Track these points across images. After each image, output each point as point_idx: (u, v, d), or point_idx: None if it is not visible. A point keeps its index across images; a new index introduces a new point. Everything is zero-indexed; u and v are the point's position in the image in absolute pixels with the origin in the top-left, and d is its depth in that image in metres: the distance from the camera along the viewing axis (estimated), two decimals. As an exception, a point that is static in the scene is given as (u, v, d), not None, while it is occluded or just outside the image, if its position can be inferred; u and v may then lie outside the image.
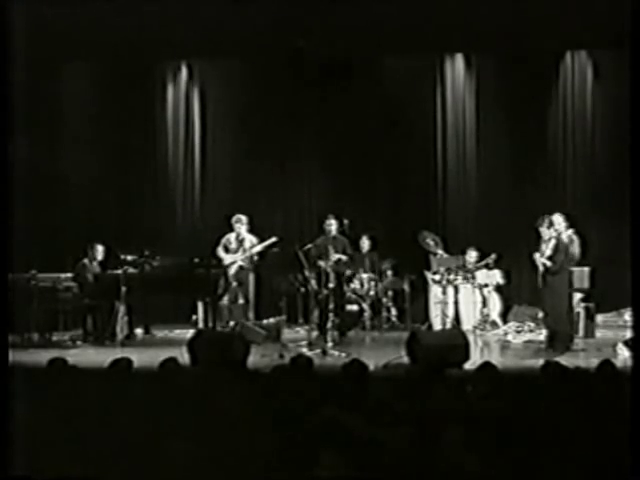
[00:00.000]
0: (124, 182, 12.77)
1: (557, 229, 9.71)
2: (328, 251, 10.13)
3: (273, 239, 11.05)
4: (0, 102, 6.23)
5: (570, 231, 10.38)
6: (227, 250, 11.27)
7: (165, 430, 4.39)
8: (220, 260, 11.11)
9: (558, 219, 10.13)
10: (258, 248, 11.15)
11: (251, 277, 11.29)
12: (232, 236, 11.29)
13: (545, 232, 9.43)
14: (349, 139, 12.81)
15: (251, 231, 11.32)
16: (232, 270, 11.12)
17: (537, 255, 9.40)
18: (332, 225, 10.56)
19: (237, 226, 11.24)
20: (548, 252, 9.31)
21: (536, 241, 9.59)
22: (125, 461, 4.20)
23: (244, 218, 11.27)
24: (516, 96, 12.57)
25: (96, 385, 5.17)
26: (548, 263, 9.27)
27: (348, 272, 11.03)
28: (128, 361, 5.70)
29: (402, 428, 4.25)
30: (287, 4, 10.92)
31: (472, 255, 11.71)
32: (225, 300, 11.09)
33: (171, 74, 13.23)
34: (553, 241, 9.36)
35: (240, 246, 11.23)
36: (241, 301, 11.11)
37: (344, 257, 10.49)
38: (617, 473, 4.10)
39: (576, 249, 10.43)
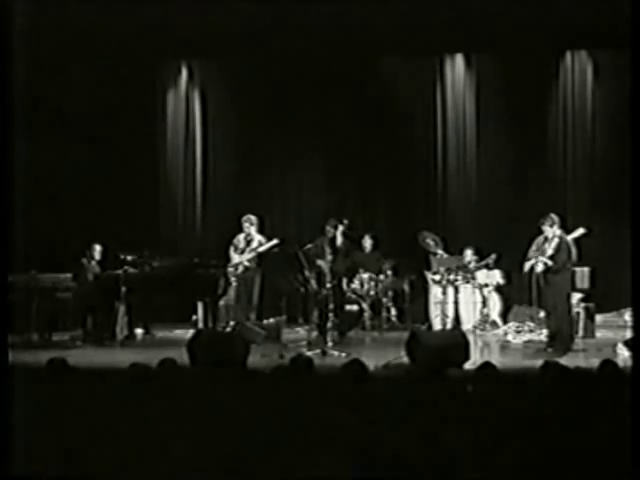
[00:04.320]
0: (124, 182, 12.73)
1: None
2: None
3: (275, 241, 11.03)
4: (0, 102, 6.24)
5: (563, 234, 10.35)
6: (236, 250, 11.26)
7: (165, 430, 4.39)
8: (226, 260, 11.10)
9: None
10: (261, 249, 11.13)
11: (257, 278, 11.25)
12: (241, 236, 11.26)
13: (548, 231, 9.39)
14: (349, 139, 12.81)
15: (260, 231, 11.31)
16: (238, 270, 11.11)
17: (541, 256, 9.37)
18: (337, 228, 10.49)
19: (246, 226, 11.20)
20: (550, 251, 9.27)
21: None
22: (125, 461, 4.20)
23: (254, 218, 11.23)
24: (516, 96, 12.55)
25: (95, 385, 5.17)
26: (549, 262, 9.24)
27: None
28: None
29: (402, 428, 4.25)
30: (287, 4, 10.92)
31: (468, 254, 11.68)
32: (226, 300, 11.08)
33: (171, 75, 13.23)
34: (556, 240, 9.32)
35: (247, 246, 11.20)
36: (244, 301, 11.09)
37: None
38: (617, 473, 4.10)
39: (573, 251, 10.40)
